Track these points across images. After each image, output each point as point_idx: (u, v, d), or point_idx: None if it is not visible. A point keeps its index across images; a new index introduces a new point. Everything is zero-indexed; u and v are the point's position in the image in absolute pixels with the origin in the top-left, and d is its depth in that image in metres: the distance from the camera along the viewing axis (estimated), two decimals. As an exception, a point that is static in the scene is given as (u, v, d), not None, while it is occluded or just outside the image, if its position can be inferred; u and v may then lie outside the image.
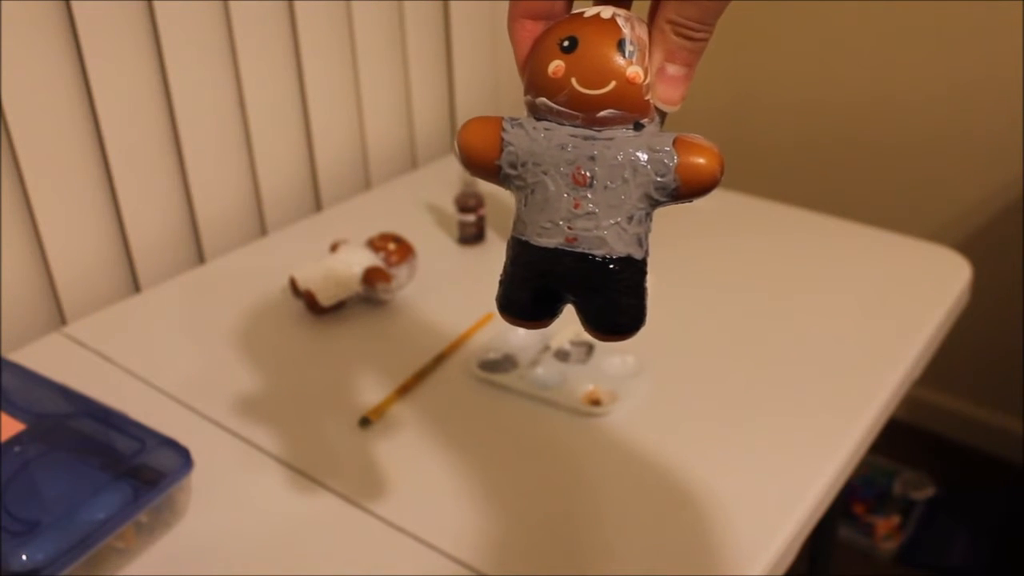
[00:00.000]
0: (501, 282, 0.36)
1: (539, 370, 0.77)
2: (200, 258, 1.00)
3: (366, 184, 1.18)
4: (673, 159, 0.33)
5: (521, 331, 0.81)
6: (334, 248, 0.89)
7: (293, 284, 0.86)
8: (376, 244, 0.88)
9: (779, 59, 1.60)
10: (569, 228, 0.34)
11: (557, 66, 0.33)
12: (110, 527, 0.56)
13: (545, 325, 0.37)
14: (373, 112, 1.15)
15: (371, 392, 0.75)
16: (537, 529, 0.62)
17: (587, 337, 0.82)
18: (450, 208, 1.02)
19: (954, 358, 1.31)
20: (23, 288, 0.86)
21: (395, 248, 0.87)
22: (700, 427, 0.71)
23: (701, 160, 0.33)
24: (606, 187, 0.34)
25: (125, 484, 0.58)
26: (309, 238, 1.00)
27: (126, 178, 0.91)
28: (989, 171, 1.49)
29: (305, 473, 0.67)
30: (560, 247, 0.34)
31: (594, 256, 0.34)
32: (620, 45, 0.33)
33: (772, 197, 1.08)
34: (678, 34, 0.33)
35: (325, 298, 0.84)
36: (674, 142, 0.34)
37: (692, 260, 0.95)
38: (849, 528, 1.53)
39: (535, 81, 0.34)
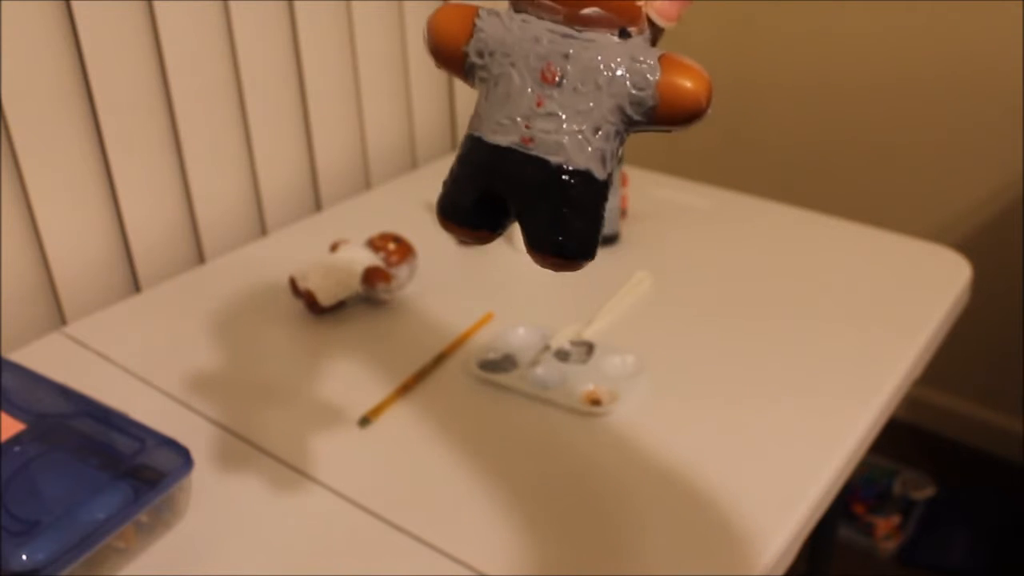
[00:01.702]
0: (444, 183, 0.34)
1: (539, 370, 0.77)
2: (200, 258, 1.00)
3: (366, 184, 1.18)
4: (655, 73, 0.30)
5: (520, 330, 0.81)
6: (334, 248, 0.89)
7: (293, 284, 0.86)
8: (376, 244, 0.88)
9: (779, 59, 1.60)
10: (527, 127, 0.31)
11: None
12: (110, 527, 0.56)
13: (483, 239, 0.34)
14: (373, 112, 1.15)
15: (371, 392, 0.75)
16: (537, 529, 0.62)
17: (587, 337, 0.82)
18: (450, 208, 1.02)
19: (954, 358, 1.31)
20: (23, 288, 0.86)
21: (395, 248, 0.87)
22: (700, 427, 0.71)
23: (687, 83, 0.30)
24: (575, 89, 0.31)
25: (125, 484, 0.58)
26: (309, 238, 1.00)
27: (126, 178, 0.91)
28: (989, 171, 1.49)
29: (305, 473, 0.67)
30: (514, 146, 0.31)
31: (548, 162, 0.31)
32: None
33: (772, 197, 1.08)
34: None
35: (325, 298, 0.84)
36: (661, 57, 0.31)
37: (692, 260, 0.95)
38: (849, 528, 1.53)
39: None
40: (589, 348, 0.79)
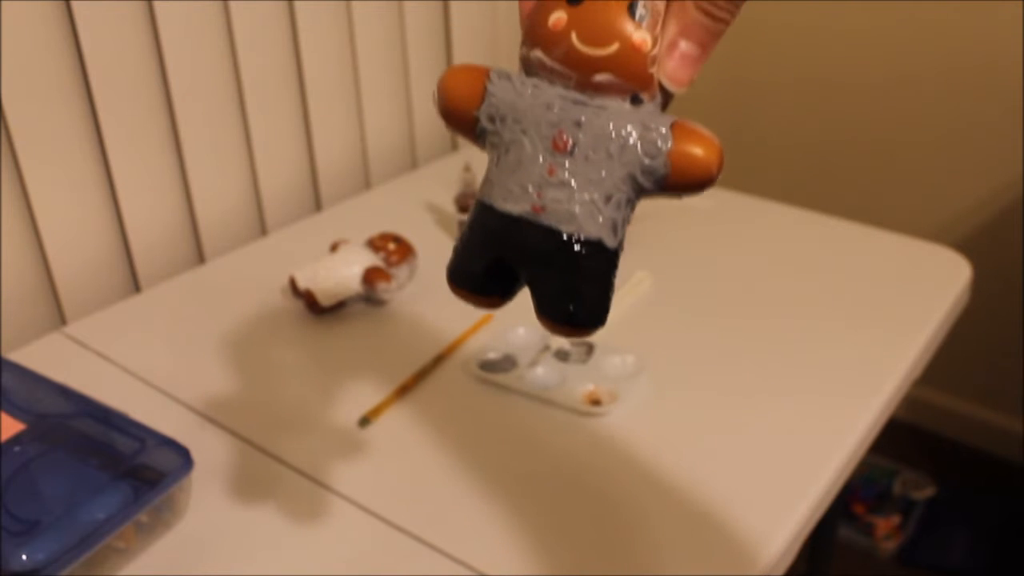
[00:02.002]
0: (455, 248, 0.33)
1: (539, 370, 0.77)
2: (200, 258, 1.00)
3: (366, 184, 1.18)
4: (667, 142, 0.30)
5: (520, 330, 0.81)
6: (334, 248, 0.89)
7: (293, 284, 0.86)
8: (376, 244, 0.88)
9: (779, 59, 1.60)
10: (538, 196, 0.31)
11: (558, 17, 0.30)
12: (110, 527, 0.56)
13: (494, 305, 0.33)
14: (373, 112, 1.15)
15: (371, 392, 0.75)
16: (537, 529, 0.62)
17: (587, 337, 0.82)
18: (450, 208, 1.02)
19: (954, 358, 1.31)
20: (23, 288, 0.86)
21: (395, 248, 0.87)
22: (699, 427, 0.71)
23: (698, 151, 0.30)
24: (587, 158, 0.30)
25: (125, 484, 0.58)
26: (309, 238, 1.00)
27: (126, 178, 0.91)
28: (989, 171, 1.49)
29: (305, 473, 0.67)
30: (524, 215, 0.31)
31: (560, 232, 0.30)
32: (631, 7, 0.30)
33: (772, 197, 1.08)
34: (700, 8, 0.30)
35: (325, 298, 0.84)
36: (672, 125, 0.30)
37: (692, 260, 0.95)
38: (849, 528, 1.53)
39: (532, 31, 0.31)
40: (589, 348, 0.79)
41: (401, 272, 0.87)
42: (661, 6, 0.31)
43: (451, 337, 0.81)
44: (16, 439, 0.61)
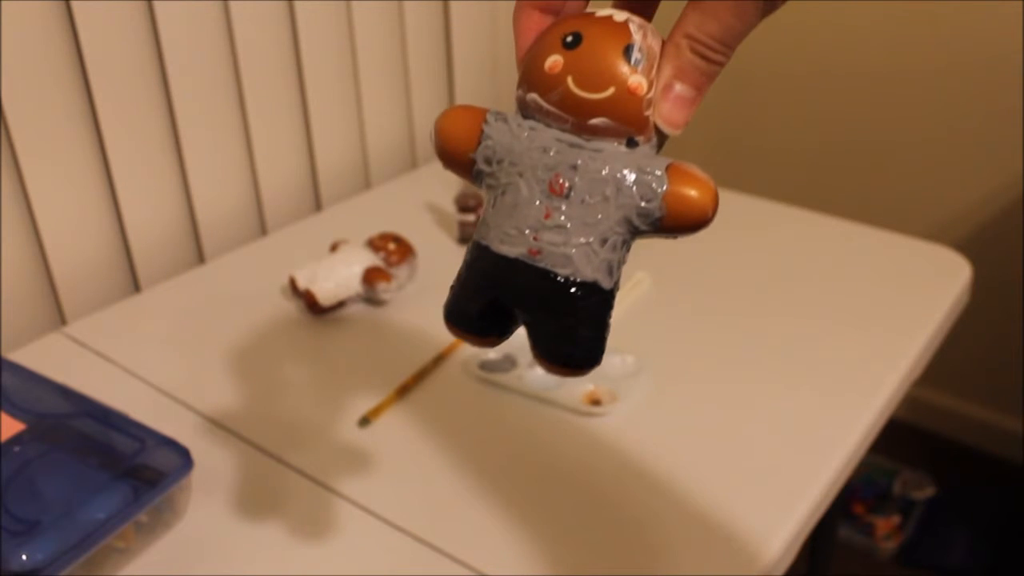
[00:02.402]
0: (452, 288, 0.34)
1: (539, 370, 0.76)
2: (200, 258, 1.00)
3: (366, 184, 1.18)
4: (663, 185, 0.30)
5: (521, 330, 0.81)
6: (334, 248, 0.89)
7: (293, 284, 0.86)
8: (376, 244, 0.88)
9: (778, 58, 1.60)
10: (535, 239, 0.31)
11: (555, 61, 0.30)
12: (110, 527, 0.56)
13: (491, 344, 0.34)
14: (373, 112, 1.15)
15: (371, 392, 0.75)
16: (537, 529, 0.62)
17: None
18: (450, 208, 1.02)
19: (954, 358, 1.31)
20: (23, 288, 0.86)
21: (395, 248, 0.87)
22: (700, 427, 0.71)
23: (693, 192, 0.30)
24: (583, 201, 0.31)
25: (125, 484, 0.58)
26: (309, 238, 1.00)
27: (126, 178, 0.91)
28: (989, 171, 1.49)
29: (305, 473, 0.67)
30: (521, 258, 0.31)
31: (556, 275, 0.31)
32: (627, 50, 0.30)
33: (771, 197, 1.08)
34: (694, 51, 0.30)
35: (325, 298, 0.84)
36: (667, 167, 0.31)
37: (691, 259, 0.95)
38: (849, 528, 1.53)
39: (529, 74, 0.32)
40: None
41: (401, 272, 0.87)
42: (656, 48, 0.31)
43: (451, 337, 0.81)
44: (16, 439, 0.61)
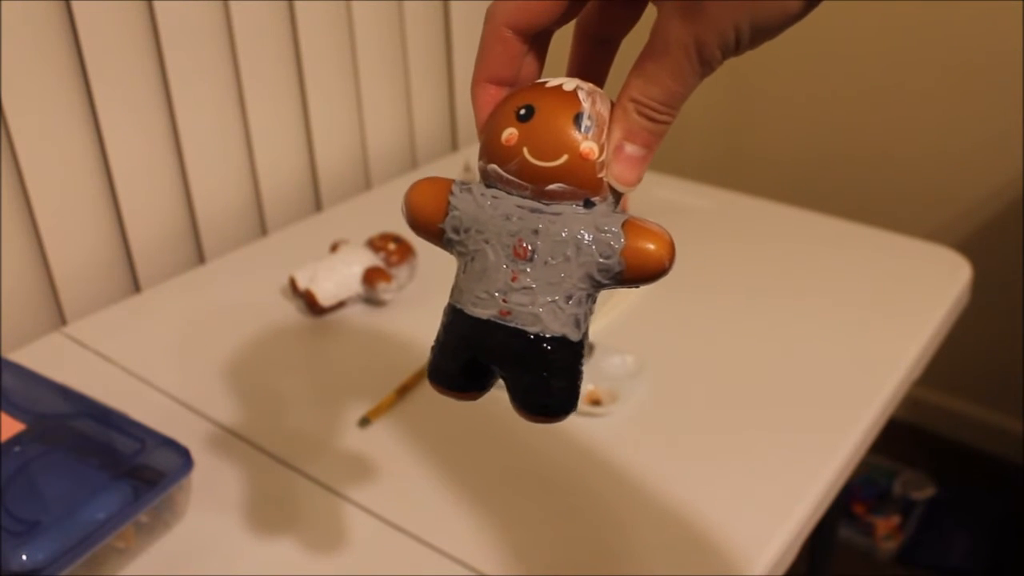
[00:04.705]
0: (432, 349, 0.36)
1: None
2: (200, 258, 1.00)
3: (366, 184, 1.18)
4: (620, 241, 0.32)
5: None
6: (334, 248, 0.89)
7: (293, 284, 0.86)
8: (376, 244, 0.88)
9: (778, 58, 1.60)
10: (504, 301, 0.33)
11: (510, 134, 0.32)
12: (110, 527, 0.56)
13: (475, 398, 0.36)
14: (373, 112, 1.15)
15: (371, 392, 0.75)
16: (537, 529, 0.62)
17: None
18: (450, 208, 1.02)
19: (954, 358, 1.31)
20: (23, 288, 0.86)
21: (395, 248, 0.87)
22: (700, 427, 0.71)
23: (650, 246, 0.32)
24: (547, 263, 0.33)
25: (125, 484, 0.58)
26: (309, 238, 1.00)
27: (126, 178, 0.91)
28: (989, 171, 1.49)
29: (304, 473, 0.67)
30: (493, 319, 0.33)
31: (527, 333, 0.33)
32: (577, 119, 0.32)
33: (772, 197, 1.08)
34: (640, 113, 0.32)
35: (325, 298, 0.84)
36: (624, 224, 0.32)
37: (691, 260, 0.94)
38: (849, 528, 1.53)
39: (488, 147, 0.33)
40: (589, 348, 0.79)
41: (401, 272, 0.87)
42: (606, 112, 0.33)
43: (451, 337, 0.81)
44: (16, 439, 0.61)
